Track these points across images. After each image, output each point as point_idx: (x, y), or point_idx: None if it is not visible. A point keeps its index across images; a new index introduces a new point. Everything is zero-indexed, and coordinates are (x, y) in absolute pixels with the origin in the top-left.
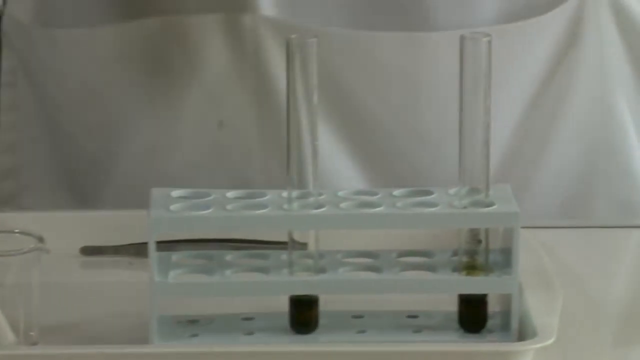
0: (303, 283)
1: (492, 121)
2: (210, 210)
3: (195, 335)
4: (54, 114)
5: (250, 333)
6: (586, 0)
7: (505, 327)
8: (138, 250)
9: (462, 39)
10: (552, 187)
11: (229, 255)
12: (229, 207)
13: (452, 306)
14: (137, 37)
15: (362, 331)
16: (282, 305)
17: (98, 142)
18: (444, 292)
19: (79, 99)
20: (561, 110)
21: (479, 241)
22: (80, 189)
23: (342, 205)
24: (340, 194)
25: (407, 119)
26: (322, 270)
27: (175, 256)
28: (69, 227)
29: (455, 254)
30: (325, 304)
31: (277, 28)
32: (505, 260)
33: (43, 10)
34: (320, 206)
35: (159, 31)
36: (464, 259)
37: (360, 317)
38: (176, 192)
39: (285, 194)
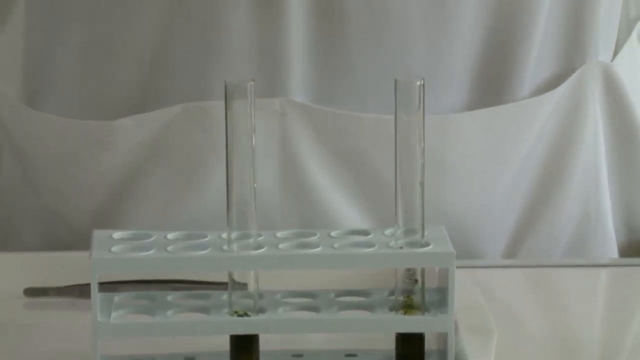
0: (243, 323)
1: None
2: (151, 252)
3: None
4: (39, 192)
5: None
6: (584, 76)
7: None
8: (81, 291)
9: (396, 82)
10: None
11: (171, 296)
12: (169, 248)
13: (390, 345)
14: (154, 126)
15: None
16: (223, 344)
17: (87, 223)
18: (381, 331)
19: (75, 184)
20: (561, 178)
21: (415, 281)
22: None
23: (281, 245)
24: (279, 234)
25: (428, 194)
26: (261, 310)
27: (117, 297)
28: (12, 269)
29: (392, 293)
30: (266, 343)
31: (304, 112)
32: (442, 299)
33: (34, 91)
34: (259, 247)
35: (180, 117)
36: (401, 298)
37: (300, 356)
38: (118, 234)
39: (225, 235)
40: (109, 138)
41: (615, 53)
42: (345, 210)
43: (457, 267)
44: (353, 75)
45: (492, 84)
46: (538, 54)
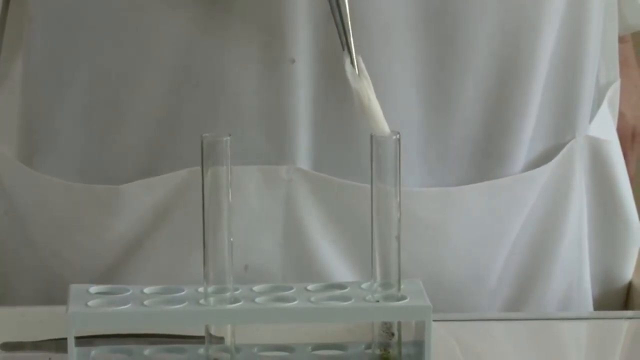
0: None
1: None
2: (128, 306)
3: None
4: (37, 252)
5: None
6: (573, 149)
7: None
8: (58, 345)
9: (372, 138)
10: None
11: (148, 350)
12: (146, 302)
13: None
14: (160, 190)
15: None
16: None
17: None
18: None
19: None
20: (550, 249)
21: (392, 334)
22: None
23: (258, 299)
24: (255, 288)
25: (427, 266)
26: None
27: (94, 351)
28: None
29: (369, 346)
30: None
31: (309, 179)
32: (418, 352)
33: (32, 150)
34: (236, 301)
35: (186, 182)
36: (378, 351)
37: None
38: (94, 288)
39: (201, 289)
40: (114, 203)
41: (590, 120)
42: (345, 277)
43: (434, 321)
44: (357, 145)
45: (490, 159)
46: (534, 129)
